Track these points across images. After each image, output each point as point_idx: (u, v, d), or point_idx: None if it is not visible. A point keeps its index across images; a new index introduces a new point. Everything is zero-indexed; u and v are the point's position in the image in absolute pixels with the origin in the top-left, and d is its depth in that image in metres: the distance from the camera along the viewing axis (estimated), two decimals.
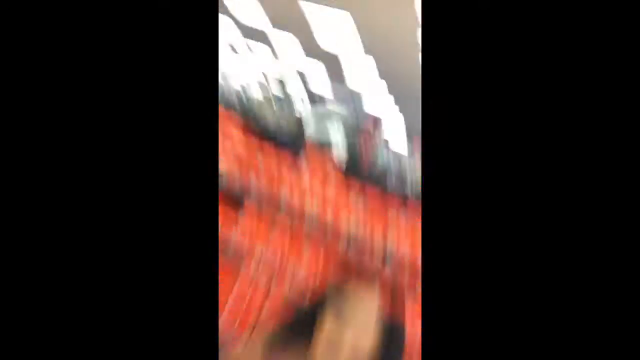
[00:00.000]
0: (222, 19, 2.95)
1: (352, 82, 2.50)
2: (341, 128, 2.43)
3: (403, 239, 1.69)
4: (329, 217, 1.78)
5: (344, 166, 2.02)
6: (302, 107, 2.87)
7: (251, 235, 1.77)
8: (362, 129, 2.39)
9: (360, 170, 2.03)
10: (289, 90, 2.96)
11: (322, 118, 2.49)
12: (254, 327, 1.59)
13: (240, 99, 3.33)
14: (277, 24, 2.46)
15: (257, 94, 3.26)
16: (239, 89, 3.37)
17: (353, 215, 1.76)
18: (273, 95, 2.97)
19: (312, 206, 1.80)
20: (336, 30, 2.11)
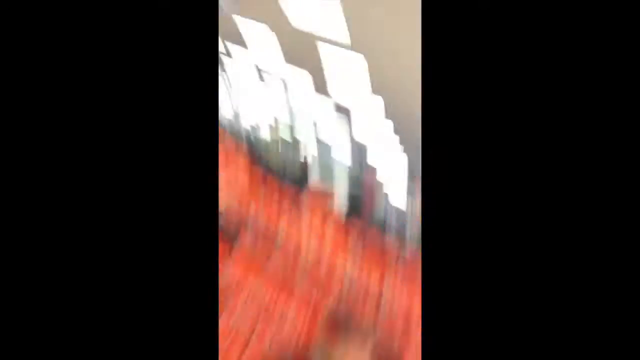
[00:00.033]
0: (235, 51, 3.03)
1: (359, 131, 2.53)
2: (345, 178, 2.43)
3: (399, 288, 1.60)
4: (324, 267, 1.71)
5: (344, 216, 1.99)
6: (309, 153, 2.88)
7: (244, 271, 1.67)
8: (365, 182, 2.38)
9: (361, 219, 1.99)
10: (297, 135, 2.99)
11: (326, 167, 2.50)
12: None
13: (248, 137, 3.37)
14: (290, 60, 2.55)
15: (265, 135, 3.30)
16: (249, 128, 3.43)
17: (350, 259, 1.68)
18: (281, 138, 3.01)
19: (307, 253, 1.73)
20: (348, 72, 2.17)
